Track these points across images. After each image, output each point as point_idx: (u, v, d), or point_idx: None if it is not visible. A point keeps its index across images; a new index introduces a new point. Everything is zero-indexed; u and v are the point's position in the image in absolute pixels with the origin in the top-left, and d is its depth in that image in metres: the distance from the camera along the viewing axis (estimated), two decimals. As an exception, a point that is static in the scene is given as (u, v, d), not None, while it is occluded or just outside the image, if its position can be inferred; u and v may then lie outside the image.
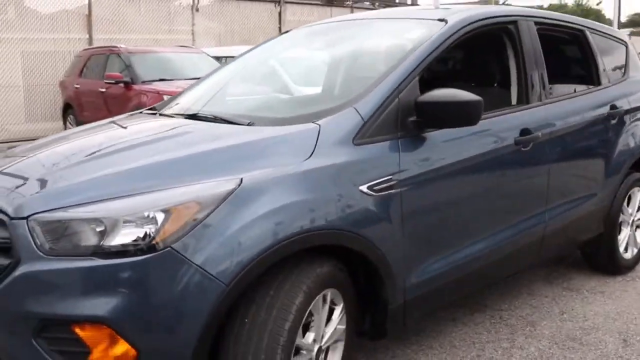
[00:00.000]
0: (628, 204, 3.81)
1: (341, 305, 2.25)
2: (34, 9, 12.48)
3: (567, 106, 3.20)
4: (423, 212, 2.39)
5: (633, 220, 3.87)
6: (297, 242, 1.97)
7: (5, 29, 11.76)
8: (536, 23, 3.15)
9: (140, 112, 3.10)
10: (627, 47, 4.00)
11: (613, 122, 3.51)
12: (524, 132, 2.83)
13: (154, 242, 1.81)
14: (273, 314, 1.92)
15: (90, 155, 2.25)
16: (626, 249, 3.86)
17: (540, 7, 46.98)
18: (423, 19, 2.88)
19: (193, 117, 2.65)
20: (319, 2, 17.80)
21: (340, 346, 2.31)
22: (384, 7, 17.31)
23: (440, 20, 2.73)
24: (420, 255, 2.41)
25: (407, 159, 2.31)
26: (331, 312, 2.23)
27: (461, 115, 2.33)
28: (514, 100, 3.03)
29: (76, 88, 9.90)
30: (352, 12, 17.15)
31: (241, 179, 1.94)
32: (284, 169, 2.04)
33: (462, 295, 3.01)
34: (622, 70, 3.88)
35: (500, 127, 2.76)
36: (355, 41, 3.03)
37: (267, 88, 3.14)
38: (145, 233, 1.82)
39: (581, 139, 3.27)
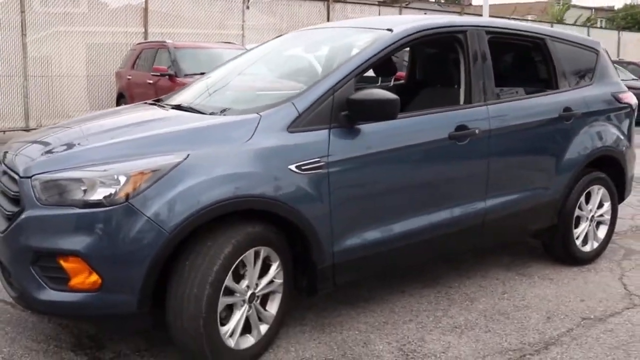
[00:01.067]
0: (588, 201, 4.13)
1: (277, 262, 2.77)
2: (104, 2, 13.58)
3: (513, 107, 3.58)
4: (350, 190, 2.87)
5: (593, 216, 4.17)
6: (230, 205, 2.51)
7: (75, 22, 12.88)
8: (488, 32, 3.55)
9: (144, 103, 3.72)
10: (598, 55, 4.29)
11: (567, 123, 3.84)
12: (460, 127, 3.25)
13: (116, 197, 2.40)
14: (206, 259, 2.47)
15: (87, 133, 2.88)
16: (585, 242, 4.17)
17: (611, 9, 45.48)
18: (375, 28, 3.35)
19: (177, 107, 3.24)
20: (367, 2, 18.20)
21: (278, 297, 2.84)
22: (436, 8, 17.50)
23: (388, 29, 3.20)
24: (347, 226, 2.89)
25: (336, 145, 2.81)
26: (269, 267, 2.77)
27: (382, 110, 2.81)
28: (461, 100, 3.45)
29: (128, 79, 10.80)
30: (400, 12, 17.47)
31: (188, 154, 2.50)
32: (225, 149, 2.59)
33: (398, 266, 3.48)
34: (589, 76, 4.18)
35: (436, 122, 3.20)
36: (317, 46, 3.54)
37: (254, 83, 3.69)
38: (112, 192, 2.41)
39: (528, 136, 3.63)
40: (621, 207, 5.77)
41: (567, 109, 3.85)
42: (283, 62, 3.74)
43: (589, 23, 30.12)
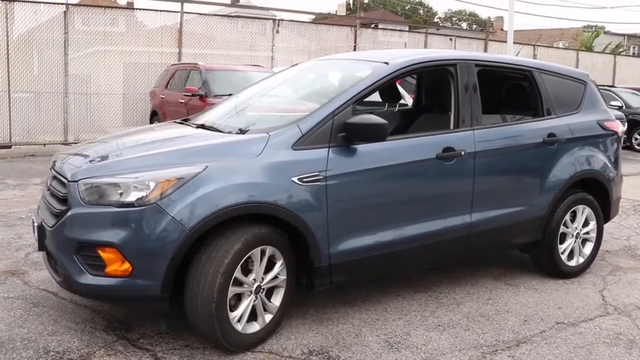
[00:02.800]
0: (574, 219, 4.50)
1: (281, 261, 3.24)
2: (140, 22, 14.38)
3: (498, 132, 4.01)
4: (345, 201, 3.33)
5: (578, 234, 4.53)
6: (241, 209, 3.00)
7: (114, 42, 13.69)
8: (477, 65, 4.00)
9: (174, 121, 4.26)
10: (585, 85, 4.69)
11: (551, 147, 4.25)
12: (447, 149, 3.69)
13: (146, 199, 2.91)
14: (219, 253, 2.96)
15: (123, 147, 3.42)
16: (571, 257, 4.53)
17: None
18: (373, 61, 3.83)
19: (201, 126, 3.76)
20: (391, 28, 18.77)
21: (281, 291, 3.30)
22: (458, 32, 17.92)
23: (384, 62, 3.68)
24: (342, 232, 3.35)
25: (334, 162, 3.29)
26: (274, 264, 3.24)
27: (373, 133, 3.29)
28: (451, 125, 3.89)
29: (162, 98, 11.49)
30: (425, 37, 17.99)
31: (206, 166, 3.00)
32: (238, 162, 3.10)
33: (389, 271, 3.90)
34: (575, 105, 4.58)
35: (425, 144, 3.65)
36: (321, 76, 4.05)
37: (269, 106, 4.20)
38: (143, 195, 2.92)
39: (512, 158, 4.05)
40: (619, 228, 6.15)
41: (551, 135, 4.25)
42: (296, 88, 4.25)
43: (619, 50, 30.16)
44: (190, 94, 9.97)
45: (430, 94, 4.58)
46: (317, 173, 3.22)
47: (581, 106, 4.60)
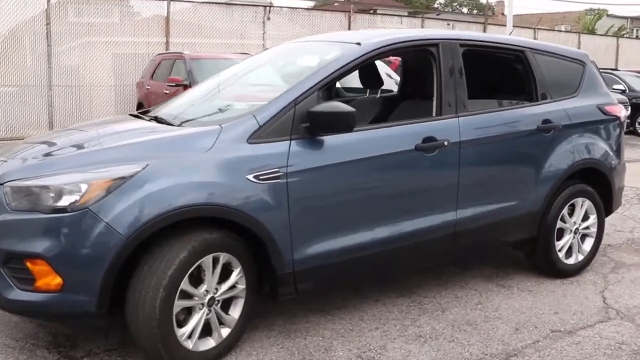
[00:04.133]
0: (572, 213, 4.11)
1: (238, 268, 2.87)
2: (137, 12, 13.98)
3: (486, 119, 3.61)
4: (310, 200, 2.95)
5: (577, 229, 4.15)
6: (185, 212, 2.62)
7: (101, 33, 13.30)
8: (462, 45, 3.60)
9: (130, 114, 3.88)
10: (584, 66, 4.29)
11: (546, 135, 3.85)
12: (428, 139, 3.30)
13: (78, 204, 2.53)
14: (162, 264, 2.59)
15: (64, 144, 3.04)
16: (569, 255, 4.15)
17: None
18: (345, 42, 3.43)
19: (154, 119, 3.38)
20: (386, 13, 18.28)
21: (241, 302, 2.93)
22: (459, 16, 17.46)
23: (357, 43, 3.28)
24: (307, 235, 2.97)
25: (296, 156, 2.90)
26: (230, 273, 2.87)
27: (339, 122, 2.91)
28: (434, 112, 3.50)
29: (147, 89, 11.10)
30: (422, 22, 17.50)
31: (147, 164, 2.62)
32: (184, 159, 2.72)
33: (364, 276, 3.52)
34: (573, 88, 4.18)
35: (402, 134, 3.26)
36: (290, 61, 3.65)
37: (229, 96, 3.80)
38: (76, 199, 2.55)
39: (502, 148, 3.65)
40: (622, 220, 5.76)
41: (546, 121, 3.85)
42: (263, 75, 3.86)
43: (621, 33, 29.53)
44: (174, 84, 9.58)
45: (412, 78, 4.18)
46: (277, 169, 2.84)
47: (580, 89, 4.20)
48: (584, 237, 4.23)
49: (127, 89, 12.92)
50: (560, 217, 4.02)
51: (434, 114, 3.49)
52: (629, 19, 42.66)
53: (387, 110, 4.19)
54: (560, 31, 23.69)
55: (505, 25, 17.07)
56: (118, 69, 13.36)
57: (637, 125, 14.26)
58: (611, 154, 4.23)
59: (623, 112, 4.41)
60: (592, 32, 27.34)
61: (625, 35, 30.02)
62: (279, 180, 2.84)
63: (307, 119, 2.93)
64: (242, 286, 2.91)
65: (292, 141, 2.91)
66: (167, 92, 9.97)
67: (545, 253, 4.02)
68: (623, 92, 13.73)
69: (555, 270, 4.10)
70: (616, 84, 14.00)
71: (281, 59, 3.92)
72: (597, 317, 3.50)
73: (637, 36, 39.97)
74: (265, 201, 2.81)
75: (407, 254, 3.39)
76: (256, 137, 2.86)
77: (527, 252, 4.10)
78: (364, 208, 3.14)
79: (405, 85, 4.45)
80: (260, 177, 2.80)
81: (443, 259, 3.74)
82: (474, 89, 3.71)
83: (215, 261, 2.77)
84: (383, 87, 4.50)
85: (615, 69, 17.52)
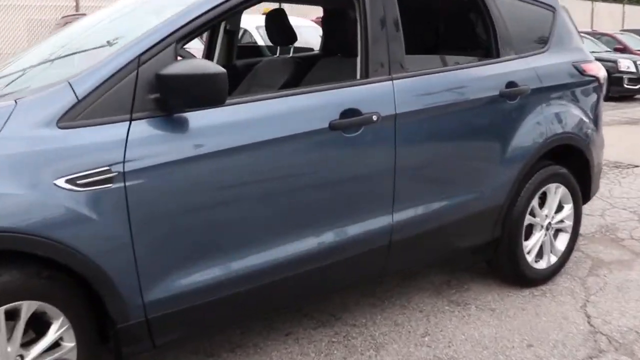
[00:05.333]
0: (543, 204, 3.18)
1: (60, 320, 1.80)
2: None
3: (431, 82, 2.57)
4: (165, 213, 1.88)
5: (550, 223, 3.22)
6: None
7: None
8: (397, -21, 2.53)
9: None
10: (555, 13, 3.30)
11: (511, 102, 2.86)
12: (348, 112, 2.24)
13: None
14: None
15: None
16: (540, 257, 3.23)
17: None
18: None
19: None
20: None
21: (73, 366, 1.85)
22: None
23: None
24: (164, 266, 1.91)
25: (140, 146, 1.82)
26: (48, 326, 1.79)
27: (204, 91, 1.83)
28: (358, 75, 2.44)
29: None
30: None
31: None
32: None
33: (262, 311, 2.50)
34: (543, 41, 3.20)
35: (311, 108, 2.19)
36: (143, 11, 2.49)
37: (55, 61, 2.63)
38: None
39: (454, 123, 2.64)
40: (589, 202, 4.89)
41: (511, 84, 2.86)
42: (107, 32, 2.67)
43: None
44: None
45: (331, 30, 3.10)
46: (107, 168, 1.76)
47: (550, 42, 3.22)
48: (557, 232, 3.31)
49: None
50: (529, 210, 3.08)
51: (357, 76, 2.43)
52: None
53: (299, 74, 3.11)
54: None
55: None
56: (34, 35, 11.97)
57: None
58: (590, 125, 3.29)
59: (602, 72, 3.47)
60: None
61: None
62: (110, 186, 1.75)
63: (157, 86, 1.83)
64: (69, 344, 1.84)
65: (134, 122, 1.83)
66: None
67: (511, 258, 3.08)
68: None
69: (523, 278, 3.17)
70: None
71: (132, 9, 2.71)
72: (586, 351, 2.58)
73: None
74: (88, 219, 1.72)
75: (320, 278, 2.35)
76: (72, 117, 1.76)
77: (487, 257, 3.14)
78: (252, 220, 2.08)
79: (326, 42, 3.36)
80: (79, 182, 1.71)
81: (374, 277, 2.71)
82: (414, 43, 2.69)
83: (14, 313, 1.69)
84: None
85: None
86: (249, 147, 2.01)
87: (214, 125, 1.97)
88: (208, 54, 3.63)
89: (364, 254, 2.40)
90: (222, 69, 1.82)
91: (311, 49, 4.26)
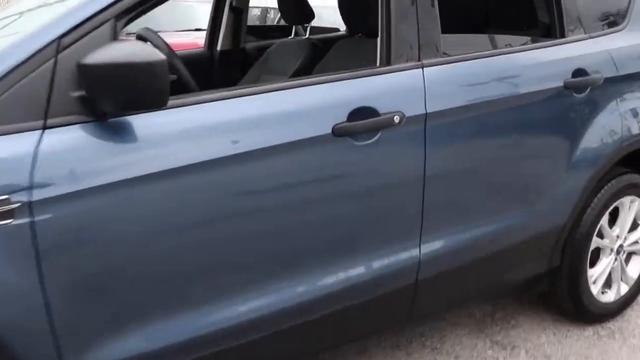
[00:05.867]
0: (613, 222, 2.54)
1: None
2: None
3: (474, 71, 1.95)
4: (96, 258, 1.35)
5: (621, 246, 2.58)
6: None
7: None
8: None
9: None
10: (635, -19, 2.62)
11: (578, 96, 2.22)
12: (359, 112, 1.66)
13: None
14: None
15: None
16: (607, 287, 2.61)
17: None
18: None
19: None
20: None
21: None
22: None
23: None
24: (98, 331, 1.38)
25: (56, 163, 1.29)
26: None
27: (135, 87, 1.27)
28: (378, 61, 1.85)
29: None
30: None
31: None
32: None
33: None
34: (620, 17, 2.52)
35: (308, 107, 1.61)
36: None
37: None
38: None
39: (500, 125, 2.01)
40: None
41: (578, 73, 2.21)
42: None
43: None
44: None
45: (347, 2, 2.50)
46: (5, 197, 1.24)
47: (628, 18, 2.54)
48: (629, 256, 2.67)
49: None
50: (597, 230, 2.45)
51: (377, 63, 1.84)
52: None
53: (314, 60, 2.54)
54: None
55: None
56: None
57: None
58: (678, 124, 2.61)
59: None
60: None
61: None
62: (10, 222, 1.24)
63: (82, 81, 1.30)
64: None
65: (48, 131, 1.30)
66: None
67: (571, 290, 2.46)
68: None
69: (586, 314, 2.55)
70: None
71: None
72: None
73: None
74: None
75: (324, 329, 1.80)
76: None
77: (542, 290, 2.53)
78: (223, 264, 1.53)
79: (345, 19, 2.76)
80: None
81: (395, 325, 2.14)
82: (454, 18, 2.08)
83: None
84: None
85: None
86: (218, 163, 1.46)
87: (170, 134, 1.42)
88: (211, 37, 3.10)
89: (380, 297, 1.83)
90: (160, 56, 1.26)
91: (337, 29, 3.68)
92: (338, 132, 1.63)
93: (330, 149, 1.62)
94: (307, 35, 2.87)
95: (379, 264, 1.79)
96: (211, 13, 3.06)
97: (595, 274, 2.52)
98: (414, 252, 1.87)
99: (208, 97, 1.49)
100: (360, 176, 1.70)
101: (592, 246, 2.46)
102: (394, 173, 1.76)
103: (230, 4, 3.02)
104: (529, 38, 2.33)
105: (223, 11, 3.03)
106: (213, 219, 1.48)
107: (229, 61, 2.99)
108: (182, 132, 1.43)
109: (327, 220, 1.66)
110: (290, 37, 2.94)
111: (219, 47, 3.01)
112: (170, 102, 1.39)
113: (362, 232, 1.74)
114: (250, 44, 3.17)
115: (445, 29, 1.95)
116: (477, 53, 2.01)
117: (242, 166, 1.48)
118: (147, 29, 2.01)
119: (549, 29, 2.34)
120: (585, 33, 2.34)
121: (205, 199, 1.45)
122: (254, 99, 1.54)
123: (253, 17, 8.37)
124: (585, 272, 2.47)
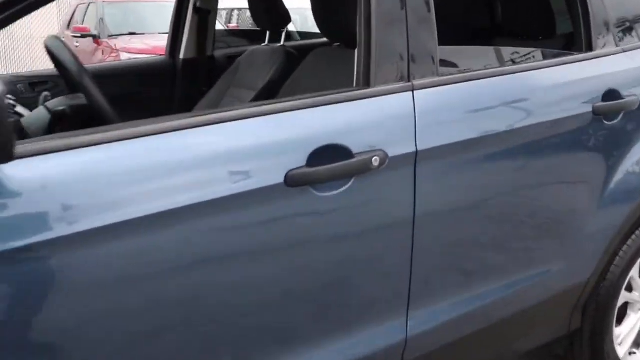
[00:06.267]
0: (643, 272, 2.12)
1: None
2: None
3: (479, 93, 1.53)
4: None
5: (653, 299, 2.16)
6: None
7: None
8: None
9: None
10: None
11: (609, 123, 1.79)
12: (323, 153, 1.24)
13: None
14: None
15: None
16: (636, 346, 2.18)
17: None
18: None
19: None
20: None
21: None
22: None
23: None
24: None
25: None
26: None
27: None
28: (354, 81, 1.43)
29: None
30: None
31: None
32: None
33: None
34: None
35: (247, 146, 1.19)
36: None
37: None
38: None
39: (509, 162, 1.58)
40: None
41: (610, 95, 1.78)
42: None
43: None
44: (79, 35, 7.48)
45: (320, 3, 2.07)
46: None
47: (666, 27, 2.12)
48: (661, 311, 2.25)
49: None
50: (625, 283, 2.02)
51: (354, 84, 1.42)
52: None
53: (288, 71, 2.12)
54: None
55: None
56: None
57: None
58: None
59: None
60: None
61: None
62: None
63: None
64: None
65: None
66: (77, 44, 7.84)
67: (595, 354, 2.04)
68: None
69: (610, 380, 2.13)
70: None
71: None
72: None
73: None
74: None
75: None
76: None
77: (560, 353, 2.10)
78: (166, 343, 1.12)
79: (318, 23, 2.33)
80: None
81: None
82: (455, 26, 1.65)
83: None
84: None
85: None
86: (135, 225, 1.04)
87: (83, 177, 1.01)
88: (173, 43, 2.68)
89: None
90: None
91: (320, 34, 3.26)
92: (293, 181, 1.19)
93: (281, 204, 1.19)
94: (282, 43, 2.45)
95: (355, 345, 1.36)
96: (173, 15, 2.64)
97: (623, 334, 2.10)
98: (400, 330, 1.44)
99: (107, 135, 1.07)
100: (323, 240, 1.27)
101: (620, 302, 2.04)
102: (371, 234, 1.33)
103: (194, 4, 2.60)
104: (547, 51, 1.90)
105: (186, 13, 2.61)
106: (152, 290, 1.07)
107: (193, 71, 2.57)
108: (95, 176, 1.00)
109: (276, 300, 1.23)
110: (263, 44, 2.52)
111: (181, 55, 2.60)
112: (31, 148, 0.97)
113: (333, 303, 1.32)
114: (220, 52, 2.76)
115: (444, 40, 1.52)
116: (484, 71, 1.58)
117: (172, 223, 1.06)
118: (55, 38, 1.59)
119: (571, 39, 1.91)
120: (616, 45, 1.91)
121: (131, 265, 1.03)
122: (172, 138, 1.10)
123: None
124: (611, 332, 2.05)
